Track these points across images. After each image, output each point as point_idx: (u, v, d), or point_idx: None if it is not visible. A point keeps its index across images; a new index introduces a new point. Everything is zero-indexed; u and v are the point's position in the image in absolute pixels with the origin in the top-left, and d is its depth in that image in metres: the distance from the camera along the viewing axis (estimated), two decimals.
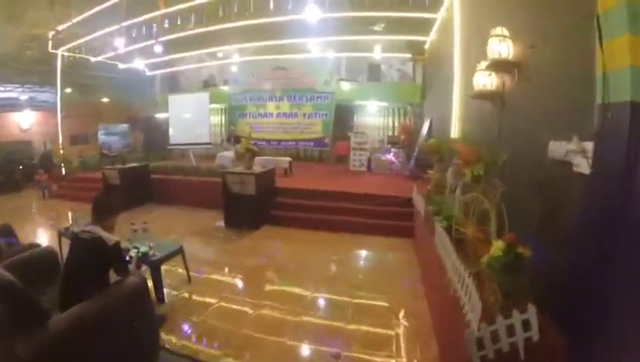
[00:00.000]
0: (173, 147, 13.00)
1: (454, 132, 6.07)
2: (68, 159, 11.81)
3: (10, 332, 2.14)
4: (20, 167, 12.01)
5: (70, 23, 9.38)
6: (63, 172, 11.48)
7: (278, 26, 9.64)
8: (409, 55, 10.52)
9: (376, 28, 9.10)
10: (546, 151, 2.64)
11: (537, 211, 2.78)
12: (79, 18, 9.12)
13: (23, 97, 13.31)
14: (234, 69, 12.72)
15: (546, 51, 2.85)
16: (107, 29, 9.50)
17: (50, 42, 10.35)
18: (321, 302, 3.94)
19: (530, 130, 3.11)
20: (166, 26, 9.84)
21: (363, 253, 5.60)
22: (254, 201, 6.50)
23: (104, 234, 2.81)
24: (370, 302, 3.91)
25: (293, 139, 11.95)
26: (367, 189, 7.36)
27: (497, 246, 2.32)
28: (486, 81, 3.97)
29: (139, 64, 12.35)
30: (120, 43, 9.08)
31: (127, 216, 7.45)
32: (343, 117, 11.88)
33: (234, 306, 3.85)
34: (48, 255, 3.89)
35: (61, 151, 11.79)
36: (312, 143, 11.76)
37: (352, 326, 3.40)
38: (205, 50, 11.95)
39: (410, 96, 11.12)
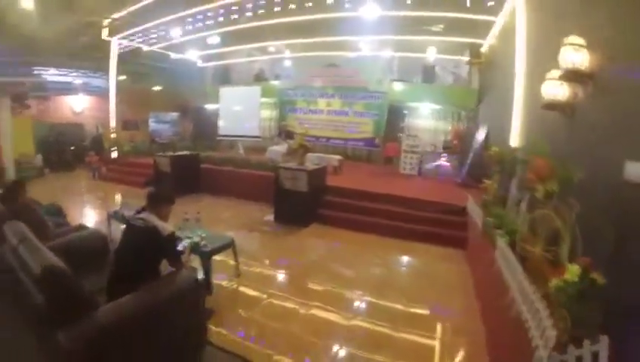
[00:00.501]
0: (222, 138, 13.36)
1: (514, 141, 5.87)
2: (119, 143, 12.33)
3: (55, 321, 2.05)
4: (72, 148, 12.68)
5: (126, 12, 9.64)
6: (114, 155, 11.97)
7: (331, 22, 9.66)
8: (465, 58, 10.23)
9: (434, 28, 8.93)
10: (621, 172, 2.49)
11: (610, 236, 2.59)
12: (135, 7, 9.33)
13: (77, 82, 13.93)
14: (286, 64, 12.91)
15: (626, 63, 2.68)
16: (162, 19, 9.71)
17: (104, 30, 10.71)
18: (371, 308, 3.87)
19: (604, 146, 2.94)
20: (221, 18, 9.89)
21: (413, 260, 5.48)
22: (305, 198, 6.56)
23: (159, 223, 2.79)
24: (421, 312, 3.83)
25: (343, 137, 11.95)
26: (419, 194, 7.25)
27: (573, 271, 2.24)
28: (557, 91, 3.78)
29: (191, 55, 12.74)
30: (176, 32, 9.39)
31: (176, 204, 7.84)
32: (393, 118, 11.75)
33: (283, 304, 3.84)
34: (97, 238, 3.93)
35: (113, 136, 12.30)
36: (361, 143, 11.72)
37: (402, 335, 3.35)
38: (257, 45, 12.17)
39: (464, 100, 10.86)
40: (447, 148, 10.31)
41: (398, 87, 11.49)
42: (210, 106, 15.17)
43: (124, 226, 2.93)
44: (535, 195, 3.17)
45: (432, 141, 11.34)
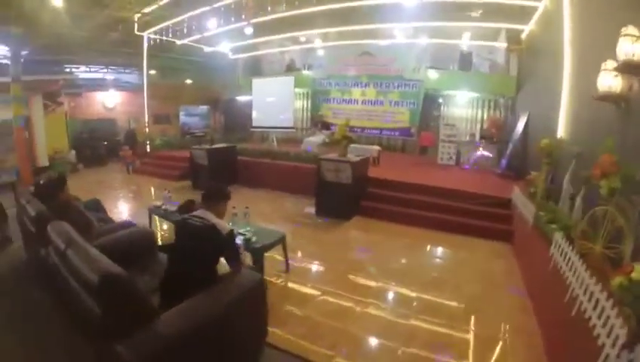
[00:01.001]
0: (255, 130, 13.55)
1: (561, 132, 5.78)
2: (151, 137, 12.67)
3: (114, 333, 1.93)
4: (105, 143, 13.14)
5: (156, 6, 9.69)
6: (148, 149, 12.30)
7: (365, 9, 9.59)
8: (500, 44, 10.03)
9: (473, 14, 8.77)
10: None
11: None
12: (165, 0, 9.37)
13: (109, 77, 14.47)
14: (319, 53, 12.88)
15: None
16: (193, 12, 9.75)
17: (136, 25, 10.82)
18: (425, 305, 3.82)
19: None
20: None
21: (459, 254, 5.44)
22: (349, 190, 6.59)
23: (217, 222, 2.70)
24: (476, 310, 3.75)
25: (378, 127, 11.91)
26: (460, 185, 7.21)
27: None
28: (612, 82, 3.73)
29: (223, 47, 12.88)
30: (212, 24, 9.49)
31: None
32: (427, 106, 11.66)
33: (338, 301, 3.83)
34: (144, 236, 3.87)
35: (146, 130, 12.66)
36: (396, 132, 11.67)
37: (461, 335, 3.32)
38: (288, 35, 12.14)
39: (503, 88, 10.62)
40: (486, 137, 10.18)
41: (433, 74, 11.31)
42: (241, 98, 15.35)
43: (177, 224, 2.88)
44: (595, 190, 3.18)
45: (469, 130, 11.22)
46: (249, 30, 9.15)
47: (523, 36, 9.24)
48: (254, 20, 9.58)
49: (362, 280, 4.39)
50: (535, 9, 7.76)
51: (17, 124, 9.27)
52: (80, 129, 12.89)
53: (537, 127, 7.76)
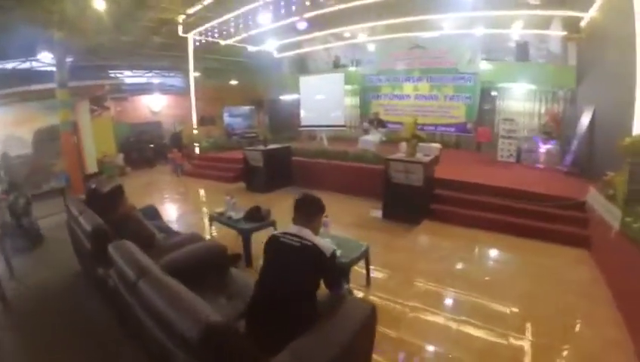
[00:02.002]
0: (303, 129, 13.78)
1: (637, 130, 5.66)
2: (199, 139, 13.03)
3: None
4: (152, 146, 13.79)
5: (200, 6, 9.84)
6: (197, 151, 12.65)
7: (414, 1, 9.58)
8: (561, 33, 9.75)
9: (532, 1, 8.60)
10: None
11: None
12: (210, 0, 9.50)
13: (155, 81, 15.10)
14: (370, 48, 12.90)
15: None
16: (240, 10, 9.83)
17: (180, 27, 11.03)
18: (521, 322, 3.70)
19: None
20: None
21: (540, 261, 5.22)
22: (419, 193, 6.49)
23: (319, 242, 2.41)
24: (571, 325, 3.73)
25: (433, 123, 11.82)
26: (528, 186, 7.09)
27: None
28: None
29: (269, 46, 13.10)
30: (263, 19, 9.51)
31: (275, 200, 8.17)
32: (483, 100, 11.51)
33: (431, 319, 3.74)
34: (215, 252, 3.55)
35: (195, 132, 13.01)
36: (452, 128, 11.57)
37: (566, 354, 3.31)
38: (333, 30, 12.24)
39: (562, 79, 10.34)
40: (547, 132, 9.99)
41: (487, 67, 11.17)
42: (286, 97, 15.62)
43: (269, 243, 2.52)
44: None
45: (528, 125, 11.04)
46: (302, 25, 9.15)
47: (582, 24, 8.99)
48: (308, 15, 9.57)
49: (449, 294, 4.32)
50: None
51: (65, 129, 9.62)
52: (127, 133, 13.61)
53: (605, 122, 7.59)
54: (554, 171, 8.94)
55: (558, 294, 4.34)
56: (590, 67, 8.95)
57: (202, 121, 14.49)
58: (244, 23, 10.40)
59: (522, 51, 10.85)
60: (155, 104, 14.88)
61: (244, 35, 11.03)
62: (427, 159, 6.70)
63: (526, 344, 3.39)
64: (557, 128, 10.05)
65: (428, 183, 6.64)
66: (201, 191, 9.71)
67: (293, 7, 9.30)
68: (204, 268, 3.23)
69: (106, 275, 2.96)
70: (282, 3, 9.44)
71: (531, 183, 7.40)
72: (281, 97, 15.91)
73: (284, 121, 15.12)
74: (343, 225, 6.40)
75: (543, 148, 9.66)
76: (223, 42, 11.81)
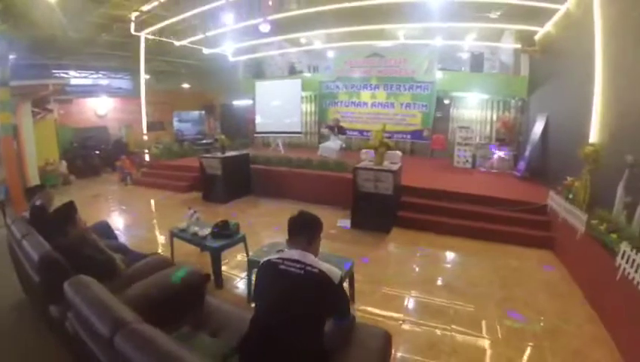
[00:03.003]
0: (259, 135, 13.58)
1: (594, 138, 6.07)
2: (149, 146, 12.46)
3: None
4: (97, 152, 12.98)
5: (157, 3, 9.39)
6: (147, 158, 12.06)
7: (374, 9, 9.59)
8: (517, 46, 10.32)
9: (492, 15, 9.04)
10: None
11: None
12: None
13: (103, 82, 14.35)
14: (328, 55, 13.01)
15: None
16: (199, 9, 9.42)
17: (132, 24, 10.47)
18: (509, 327, 3.80)
19: None
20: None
21: (510, 264, 5.42)
22: (388, 202, 6.50)
23: (325, 268, 2.12)
24: (553, 324, 3.87)
25: (389, 130, 11.95)
26: (488, 191, 7.46)
27: None
28: None
29: (227, 48, 12.72)
30: (225, 20, 9.21)
31: (234, 211, 8.02)
32: (436, 108, 11.87)
33: (422, 330, 3.74)
34: (194, 281, 3.07)
35: (145, 137, 12.45)
36: (408, 135, 11.85)
37: (552, 355, 3.39)
38: (289, 36, 12.16)
39: (514, 89, 10.95)
40: (501, 139, 10.54)
41: (444, 76, 11.59)
42: (239, 103, 15.39)
43: (265, 272, 2.22)
44: None
45: (481, 132, 11.55)
46: (265, 28, 8.83)
47: (537, 37, 9.61)
48: (272, 17, 9.21)
49: (436, 302, 4.31)
50: (554, 11, 8.05)
51: (5, 133, 8.42)
52: (70, 138, 12.74)
53: (558, 130, 8.10)
54: (508, 176, 9.46)
55: (534, 295, 4.53)
56: (543, 78, 9.55)
57: (151, 126, 13.87)
58: (201, 24, 10.11)
59: (477, 62, 11.39)
60: (101, 107, 14.13)
61: (201, 35, 10.60)
62: (396, 167, 6.72)
63: (515, 346, 3.49)
64: (509, 135, 10.63)
65: (396, 191, 6.66)
66: (155, 203, 9.15)
67: (254, 9, 9.16)
68: (180, 300, 2.83)
69: (62, 316, 2.44)
70: (242, 4, 9.20)
71: (491, 189, 7.76)
72: (234, 102, 15.63)
73: (237, 127, 14.80)
74: None
75: (498, 154, 10.15)
76: (177, 43, 11.36)
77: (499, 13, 8.88)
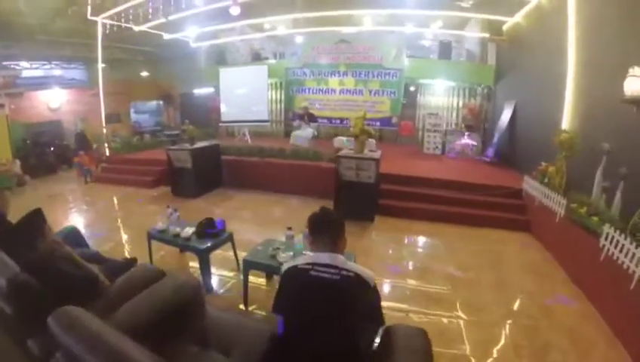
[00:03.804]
0: (224, 124, 13.32)
1: (566, 126, 6.42)
2: (108, 139, 11.86)
3: None
4: (52, 149, 12.27)
5: None
6: (107, 153, 11.43)
7: None
8: (485, 35, 10.64)
9: (464, 4, 9.27)
10: None
11: None
12: None
13: (56, 73, 13.65)
14: (294, 41, 12.87)
15: None
16: None
17: (89, 8, 9.79)
18: (507, 309, 4.01)
19: None
20: None
21: (493, 248, 5.68)
22: (371, 190, 6.56)
23: (360, 270, 1.94)
24: (547, 303, 4.11)
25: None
26: (463, 176, 7.74)
27: None
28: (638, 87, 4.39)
29: (188, 33, 12.26)
30: (188, 2, 8.84)
31: (209, 204, 7.86)
32: (404, 96, 12.06)
33: (428, 320, 3.77)
34: (190, 295, 2.66)
35: (104, 130, 11.88)
36: (377, 122, 11.85)
37: (547, 330, 3.61)
38: (252, 21, 11.93)
39: (480, 77, 11.34)
40: (469, 126, 10.88)
41: (411, 63, 11.75)
42: (200, 91, 15.03)
43: (293, 278, 1.99)
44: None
45: (447, 119, 11.84)
46: (236, 11, 8.53)
47: (505, 27, 9.95)
48: (216, 5, 9.04)
49: (436, 290, 4.41)
50: (525, 3, 8.37)
51: None
52: (22, 134, 11.87)
53: (528, 117, 8.49)
54: (477, 162, 9.83)
55: (522, 277, 4.80)
56: (510, 67, 9.94)
57: (107, 119, 13.14)
58: (163, 7, 9.50)
59: (445, 50, 11.62)
60: (54, 100, 13.24)
61: (162, 20, 10.00)
62: (377, 155, 6.77)
63: (518, 327, 3.67)
64: (475, 121, 11.01)
65: (378, 179, 6.70)
66: (120, 201, 8.60)
67: None
68: (178, 315, 2.46)
69: (45, 353, 2.08)
70: None
71: (465, 174, 8.06)
72: (195, 91, 15.19)
73: (199, 117, 14.12)
74: (298, 229, 6.11)
75: (466, 140, 10.50)
76: (136, 28, 10.70)
77: (471, 2, 9.09)
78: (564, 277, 4.80)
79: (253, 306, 3.90)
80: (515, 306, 4.11)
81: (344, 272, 1.87)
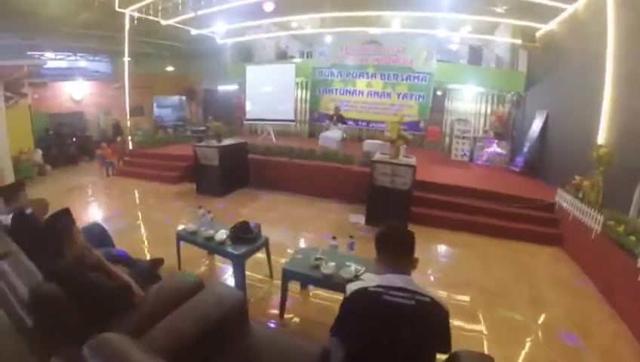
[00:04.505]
0: (249, 122, 13.55)
1: (602, 140, 6.51)
2: (131, 132, 12.06)
3: None
4: (74, 140, 12.64)
5: None
6: (130, 146, 11.61)
7: None
8: (517, 41, 10.70)
9: (498, 10, 9.38)
10: None
11: None
12: None
13: (82, 64, 14.02)
14: (322, 40, 13.02)
15: None
16: None
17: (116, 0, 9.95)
18: (549, 326, 4.08)
19: None
20: None
21: (528, 261, 5.77)
22: (405, 197, 6.49)
23: (433, 294, 1.88)
24: (583, 323, 4.19)
25: (385, 120, 12.06)
26: (493, 186, 7.82)
27: None
28: None
29: (217, 29, 12.53)
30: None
31: (232, 204, 7.85)
32: (432, 100, 12.19)
33: (471, 334, 3.83)
34: (234, 308, 2.53)
35: (128, 123, 12.10)
36: (405, 126, 11.95)
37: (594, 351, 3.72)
38: (278, 19, 12.17)
39: (511, 84, 11.40)
40: (498, 133, 10.99)
41: (442, 67, 11.87)
42: (224, 88, 15.25)
43: (362, 303, 1.89)
44: None
45: (476, 125, 11.95)
46: (269, 7, 8.63)
47: (538, 34, 10.04)
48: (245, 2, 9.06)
49: (476, 304, 4.46)
50: (561, 10, 8.45)
51: None
52: (45, 124, 12.34)
53: (560, 128, 8.56)
54: (506, 171, 9.96)
55: (556, 293, 4.91)
56: (542, 74, 10.01)
57: (130, 112, 13.55)
58: (193, 2, 9.72)
59: (475, 55, 11.73)
60: (77, 92, 13.61)
61: (191, 14, 10.16)
62: (413, 161, 6.74)
63: (554, 345, 3.79)
64: (504, 129, 11.12)
65: (412, 186, 6.69)
66: (142, 196, 8.53)
67: None
68: (221, 331, 2.33)
69: None
70: None
71: (495, 184, 8.15)
72: (219, 88, 15.43)
73: (222, 114, 14.37)
74: (324, 235, 6.06)
75: (495, 148, 10.62)
76: (163, 22, 10.90)
77: (505, 8, 9.19)
78: (595, 294, 4.90)
79: (290, 316, 3.88)
80: (555, 324, 4.16)
81: (419, 297, 1.79)
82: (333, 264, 3.55)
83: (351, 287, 1.95)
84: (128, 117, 12.08)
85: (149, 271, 3.61)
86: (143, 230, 6.41)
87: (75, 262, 2.53)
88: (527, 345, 3.78)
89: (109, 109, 13.61)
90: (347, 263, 3.60)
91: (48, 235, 2.72)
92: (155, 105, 15.11)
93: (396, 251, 1.95)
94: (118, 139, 11.82)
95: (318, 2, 10.39)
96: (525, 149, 9.84)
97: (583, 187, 6.14)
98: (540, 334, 3.96)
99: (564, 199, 6.68)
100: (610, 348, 3.79)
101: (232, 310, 2.47)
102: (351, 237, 4.14)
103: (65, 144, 12.35)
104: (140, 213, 7.37)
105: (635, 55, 6.02)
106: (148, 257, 4.91)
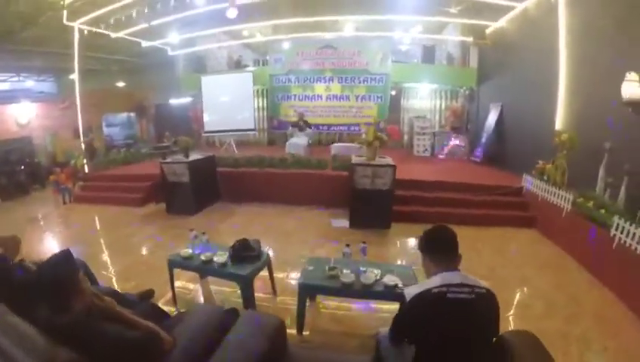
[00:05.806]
0: (208, 134, 13.44)
1: (559, 126, 7.23)
2: (79, 154, 11.35)
3: None
4: (22, 167, 11.96)
5: None
6: (86, 169, 10.98)
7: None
8: (468, 39, 11.41)
9: (452, 10, 10.02)
10: None
11: None
12: None
13: (26, 85, 13.54)
14: (277, 47, 13.12)
15: None
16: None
17: (65, 12, 9.40)
18: (544, 303, 4.39)
19: None
20: None
21: (509, 245, 6.23)
22: (386, 197, 6.74)
23: (484, 283, 2.04)
24: (574, 296, 4.58)
25: (345, 123, 12.58)
26: (460, 178, 8.37)
27: None
28: (635, 91, 5.24)
29: (170, 40, 12.41)
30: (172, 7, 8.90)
31: (208, 221, 7.63)
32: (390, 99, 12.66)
33: None
34: (275, 336, 2.34)
35: (82, 146, 11.46)
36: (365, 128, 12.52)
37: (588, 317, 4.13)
38: (232, 27, 12.17)
39: (464, 79, 12.17)
40: (456, 127, 11.72)
41: (397, 68, 12.40)
42: (175, 102, 15.08)
43: (427, 305, 1.97)
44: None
45: (433, 121, 12.63)
46: (233, 13, 8.42)
47: (488, 31, 10.84)
48: (240, 2, 8.77)
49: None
50: (511, 8, 9.18)
51: None
52: None
53: (517, 118, 9.33)
54: (467, 162, 10.69)
55: (543, 271, 5.36)
56: (493, 69, 10.83)
57: (77, 132, 13.10)
58: (147, 12, 9.46)
59: (429, 53, 12.45)
60: (22, 115, 12.93)
61: (143, 25, 9.97)
62: (391, 161, 7.05)
63: (558, 317, 4.15)
64: (459, 122, 11.87)
65: (393, 186, 6.88)
66: (109, 224, 7.91)
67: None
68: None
69: None
70: None
71: (462, 175, 8.74)
72: (172, 101, 15.19)
73: (176, 128, 14.05)
74: (311, 243, 6.25)
75: (454, 142, 11.32)
76: (114, 35, 10.63)
77: (459, 8, 9.85)
78: (577, 267, 5.44)
79: (307, 332, 3.75)
80: (548, 301, 4.50)
81: (477, 290, 1.94)
82: (349, 271, 3.58)
83: (410, 292, 2.05)
84: (82, 138, 11.58)
85: (153, 308, 3.25)
86: (117, 261, 5.79)
87: (85, 316, 2.04)
88: (530, 319, 4.15)
89: (55, 131, 13.07)
90: (362, 268, 3.68)
91: (45, 287, 2.10)
92: (104, 124, 14.62)
93: (446, 250, 2.12)
94: (72, 162, 11.37)
95: (270, 9, 10.54)
96: (483, 140, 10.56)
97: (547, 170, 6.81)
98: (539, 307, 4.39)
99: (530, 183, 7.33)
100: (600, 313, 4.28)
101: (276, 339, 2.30)
102: (363, 242, 4.22)
103: (14, 173, 11.52)
104: (109, 243, 6.73)
105: (586, 46, 6.73)
106: (139, 284, 4.68)
